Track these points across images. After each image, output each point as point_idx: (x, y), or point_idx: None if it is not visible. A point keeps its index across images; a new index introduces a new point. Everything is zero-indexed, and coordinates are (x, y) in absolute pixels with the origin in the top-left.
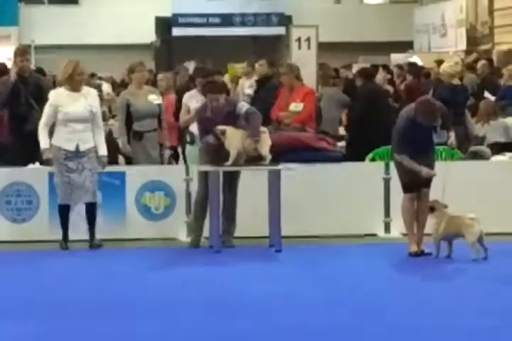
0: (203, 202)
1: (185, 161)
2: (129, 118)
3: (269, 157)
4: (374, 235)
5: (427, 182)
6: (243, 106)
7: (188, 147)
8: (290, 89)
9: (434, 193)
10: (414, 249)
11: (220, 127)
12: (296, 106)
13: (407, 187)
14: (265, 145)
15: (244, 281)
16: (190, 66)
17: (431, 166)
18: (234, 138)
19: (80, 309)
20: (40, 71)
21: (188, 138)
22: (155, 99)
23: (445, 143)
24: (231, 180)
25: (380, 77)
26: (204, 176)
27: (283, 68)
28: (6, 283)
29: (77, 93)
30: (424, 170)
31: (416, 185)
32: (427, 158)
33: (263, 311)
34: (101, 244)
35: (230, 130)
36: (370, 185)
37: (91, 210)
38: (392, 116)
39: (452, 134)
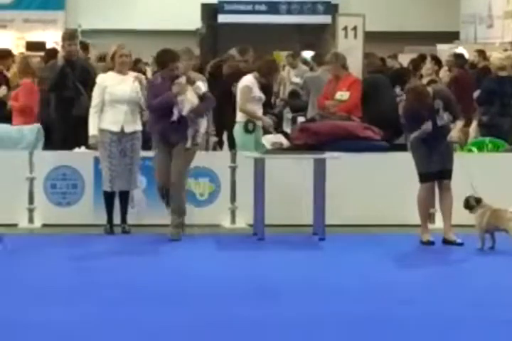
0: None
1: (230, 148)
2: None
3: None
4: (418, 226)
5: (447, 173)
6: (202, 86)
7: (245, 135)
8: (336, 78)
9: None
10: (426, 238)
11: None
12: (342, 95)
13: (422, 177)
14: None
15: (286, 269)
16: (235, 53)
17: (444, 149)
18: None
19: (117, 294)
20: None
21: (250, 127)
22: (202, 85)
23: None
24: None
25: (429, 66)
26: (163, 162)
27: (329, 57)
28: (52, 267)
29: (123, 75)
30: (426, 125)
31: (431, 175)
32: (438, 141)
33: (304, 299)
34: (129, 230)
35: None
36: (415, 175)
37: (125, 197)
38: None
39: (458, 124)
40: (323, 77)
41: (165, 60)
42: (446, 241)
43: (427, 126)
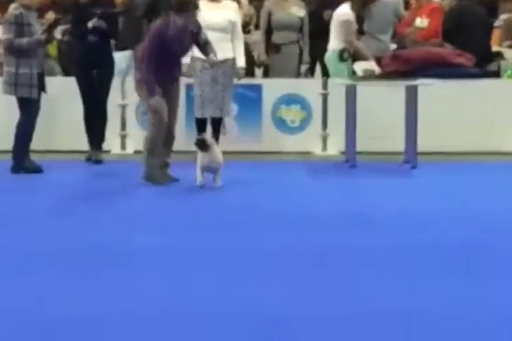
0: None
1: (323, 75)
2: (269, 30)
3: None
4: (510, 153)
5: None
6: (205, 34)
7: (339, 64)
8: (418, 4)
9: None
10: None
11: None
12: (421, 22)
13: None
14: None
15: (378, 196)
16: None
17: None
18: None
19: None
20: None
21: (345, 55)
22: (298, 11)
23: None
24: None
25: None
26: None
27: None
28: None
29: (216, 3)
30: None
31: None
32: None
33: (395, 226)
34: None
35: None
36: (508, 102)
37: (216, 124)
38: None
39: None
40: None
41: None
42: None
43: None
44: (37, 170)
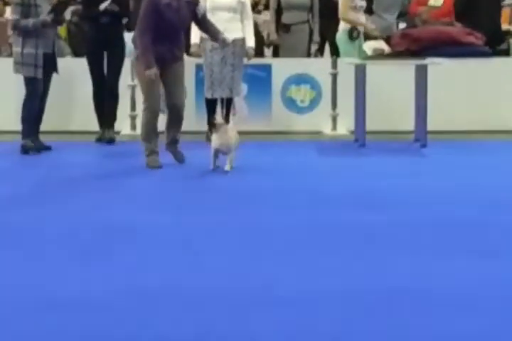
0: (156, 120)
1: (331, 54)
2: (279, 9)
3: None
4: None
5: None
6: (203, 8)
7: (348, 43)
8: None
9: None
10: None
11: None
12: (435, 1)
13: None
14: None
15: (387, 175)
16: None
17: None
18: None
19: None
20: None
21: (354, 34)
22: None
23: None
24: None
25: None
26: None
27: None
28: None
29: None
30: None
31: None
32: None
33: (405, 205)
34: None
35: None
36: None
37: (226, 104)
38: None
39: None
40: None
41: None
42: None
43: None
44: (46, 149)
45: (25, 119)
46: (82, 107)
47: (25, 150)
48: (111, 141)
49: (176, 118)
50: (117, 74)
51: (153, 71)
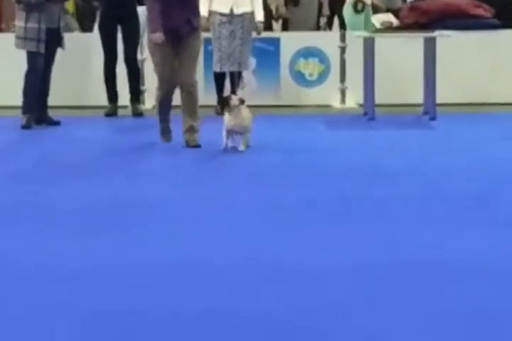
0: (170, 96)
1: (340, 28)
2: None
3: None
4: None
5: None
6: None
7: (354, 15)
8: None
9: None
10: None
11: None
12: None
13: None
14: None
15: (396, 148)
16: None
17: None
18: None
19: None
20: None
21: (359, 7)
22: None
23: None
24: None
25: None
26: (168, 56)
27: None
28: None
29: None
30: None
31: None
32: None
33: (414, 178)
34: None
35: None
36: None
37: (234, 78)
38: None
39: None
40: None
41: None
42: None
43: None
44: (54, 124)
45: (25, 94)
46: (88, 81)
47: (24, 126)
48: (139, 115)
49: (187, 99)
50: (135, 47)
51: (159, 35)
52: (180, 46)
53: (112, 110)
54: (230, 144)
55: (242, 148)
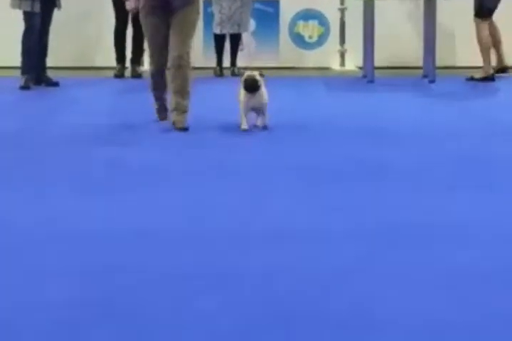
0: (161, 71)
1: None
2: None
3: None
4: None
5: None
6: None
7: None
8: None
9: None
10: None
11: None
12: None
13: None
14: None
15: (396, 111)
16: None
17: None
18: None
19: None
20: None
21: None
22: None
23: None
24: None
25: None
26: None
27: None
28: None
29: None
30: None
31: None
32: None
33: (413, 140)
34: (240, 73)
35: None
36: None
37: (235, 40)
38: None
39: None
40: None
41: None
42: None
43: None
44: (53, 85)
45: (23, 54)
46: (97, 43)
47: (23, 87)
48: (138, 76)
49: (176, 73)
50: None
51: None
52: (172, 18)
53: (121, 71)
54: (248, 124)
55: (263, 123)
